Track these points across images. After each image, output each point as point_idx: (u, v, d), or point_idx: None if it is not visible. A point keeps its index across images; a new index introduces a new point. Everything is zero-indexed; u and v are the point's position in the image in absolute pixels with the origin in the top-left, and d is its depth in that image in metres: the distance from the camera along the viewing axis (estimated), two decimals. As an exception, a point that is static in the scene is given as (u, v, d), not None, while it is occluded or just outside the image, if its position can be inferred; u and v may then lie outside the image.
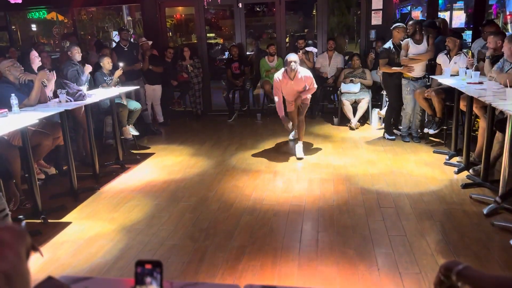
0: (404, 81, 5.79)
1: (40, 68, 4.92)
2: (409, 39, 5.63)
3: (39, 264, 3.11)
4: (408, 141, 5.87)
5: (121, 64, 5.88)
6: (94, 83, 5.77)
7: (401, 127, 6.08)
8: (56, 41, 12.59)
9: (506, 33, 11.01)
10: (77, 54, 5.47)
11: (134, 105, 6.17)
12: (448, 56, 5.44)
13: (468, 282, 0.96)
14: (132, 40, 8.36)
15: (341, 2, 11.56)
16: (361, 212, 3.80)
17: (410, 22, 5.71)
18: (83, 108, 5.21)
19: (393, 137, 6.04)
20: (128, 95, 6.40)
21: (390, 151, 5.57)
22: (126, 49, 6.97)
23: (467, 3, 12.76)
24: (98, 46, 7.96)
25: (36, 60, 4.98)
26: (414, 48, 5.57)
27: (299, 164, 5.21)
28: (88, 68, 5.43)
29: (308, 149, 5.82)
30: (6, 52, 7.72)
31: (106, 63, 5.90)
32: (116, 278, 2.75)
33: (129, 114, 6.03)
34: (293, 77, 5.18)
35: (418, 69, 5.64)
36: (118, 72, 5.80)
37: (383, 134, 6.17)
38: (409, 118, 5.92)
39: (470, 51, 5.03)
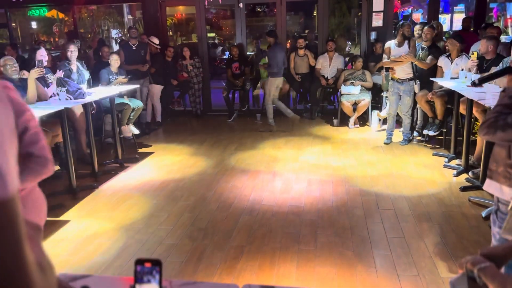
0: (390, 82, 5.91)
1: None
2: (391, 42, 5.73)
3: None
4: (389, 143, 5.93)
5: (123, 77, 5.78)
6: (99, 80, 5.78)
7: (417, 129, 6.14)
8: (56, 38, 12.58)
9: (507, 36, 11.03)
10: (68, 53, 5.39)
11: (137, 103, 6.17)
12: (450, 58, 5.45)
13: (488, 279, 1.01)
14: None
15: (342, 3, 11.55)
16: (359, 213, 3.81)
17: (407, 23, 5.79)
18: (81, 110, 5.20)
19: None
20: (131, 94, 6.38)
21: (390, 153, 5.57)
22: (134, 48, 6.94)
23: (468, 6, 12.78)
24: (100, 44, 7.95)
25: (42, 59, 4.93)
26: (395, 51, 5.66)
27: (298, 165, 5.21)
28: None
29: (308, 150, 5.82)
30: (5, 49, 7.71)
31: (113, 60, 5.90)
32: (115, 276, 2.74)
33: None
34: None
35: (401, 71, 5.68)
36: (121, 80, 5.76)
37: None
38: (393, 119, 5.97)
39: (475, 52, 4.99)
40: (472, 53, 5.07)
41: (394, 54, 5.63)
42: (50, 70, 5.10)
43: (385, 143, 5.96)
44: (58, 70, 5.02)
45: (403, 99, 5.75)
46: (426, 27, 5.85)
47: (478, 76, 4.74)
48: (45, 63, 5.02)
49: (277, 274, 2.90)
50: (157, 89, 7.44)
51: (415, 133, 6.18)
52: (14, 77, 4.44)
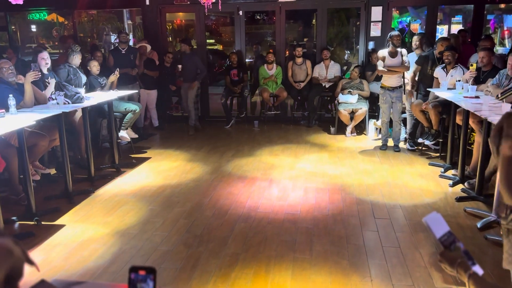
0: (381, 91, 6.06)
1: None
2: (385, 50, 5.88)
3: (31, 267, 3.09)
4: (385, 149, 6.09)
5: (114, 75, 5.80)
6: (89, 87, 5.77)
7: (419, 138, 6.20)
8: (56, 42, 12.60)
9: (504, 48, 11.11)
10: (71, 56, 5.41)
11: (134, 106, 6.18)
12: (445, 69, 5.49)
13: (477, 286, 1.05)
14: (131, 44, 8.37)
15: (341, 12, 11.63)
16: (355, 222, 3.81)
17: (396, 33, 5.83)
18: (80, 115, 5.19)
19: (414, 148, 6.13)
20: (122, 99, 6.37)
21: (386, 162, 5.59)
22: (124, 52, 6.96)
23: (465, 18, 12.88)
24: (93, 49, 7.96)
25: (42, 62, 4.93)
26: (389, 60, 5.82)
27: (294, 173, 5.21)
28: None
29: (304, 157, 5.83)
30: (4, 52, 7.70)
31: (93, 66, 5.88)
32: (109, 283, 2.73)
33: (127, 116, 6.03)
34: None
35: (393, 80, 5.89)
36: (113, 77, 5.76)
37: (406, 145, 6.21)
38: (387, 125, 6.14)
39: (474, 64, 5.06)
40: (471, 65, 5.11)
41: (389, 64, 5.80)
42: (53, 74, 5.09)
43: (381, 149, 6.12)
44: (54, 75, 5.00)
45: (395, 106, 5.96)
46: (415, 37, 5.99)
47: (475, 87, 4.78)
48: (49, 66, 5.01)
49: (272, 282, 2.90)
50: (154, 94, 7.49)
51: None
52: (10, 80, 4.43)
